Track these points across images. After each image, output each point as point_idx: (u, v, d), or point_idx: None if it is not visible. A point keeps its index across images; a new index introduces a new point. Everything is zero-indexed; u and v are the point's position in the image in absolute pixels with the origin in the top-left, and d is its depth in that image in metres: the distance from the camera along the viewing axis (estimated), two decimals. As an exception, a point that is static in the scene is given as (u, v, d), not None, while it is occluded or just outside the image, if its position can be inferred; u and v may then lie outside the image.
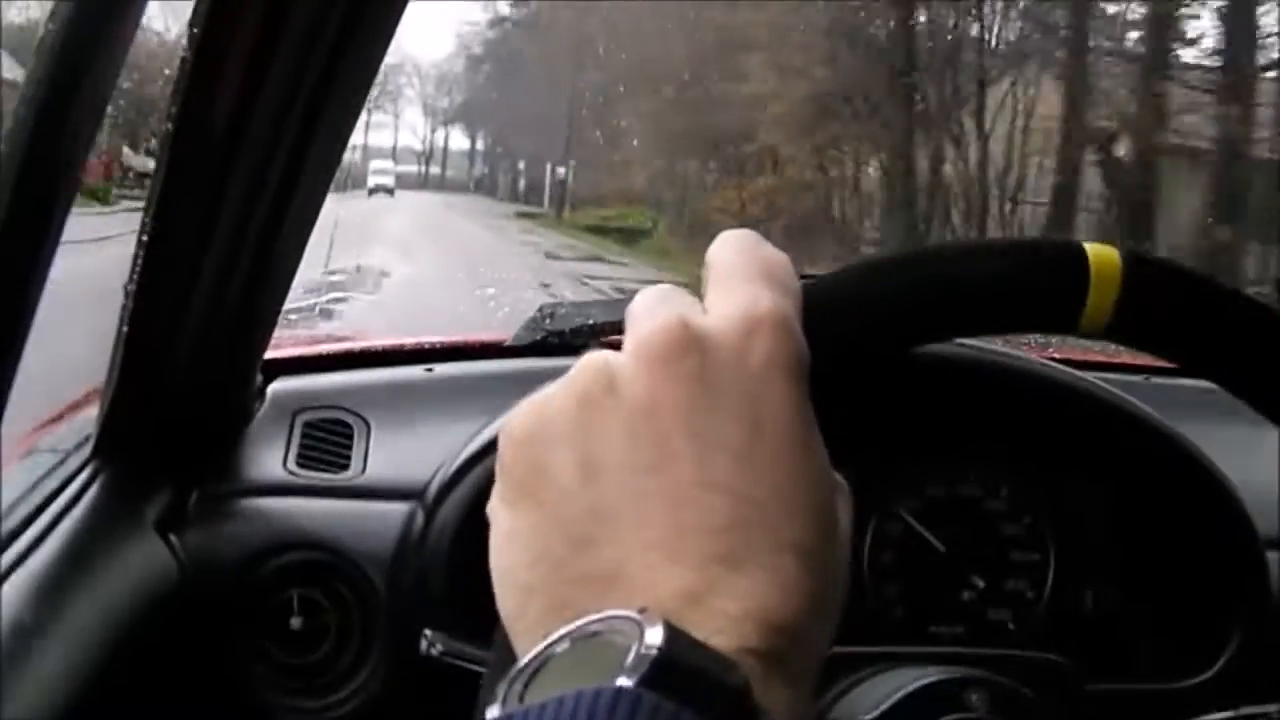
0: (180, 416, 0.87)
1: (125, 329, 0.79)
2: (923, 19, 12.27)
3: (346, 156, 0.84)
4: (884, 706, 0.68)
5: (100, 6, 0.61)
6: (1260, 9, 9.73)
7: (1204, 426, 0.82)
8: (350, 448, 0.94)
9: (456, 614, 0.75)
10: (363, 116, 0.84)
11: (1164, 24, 10.40)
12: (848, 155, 13.14)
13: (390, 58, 0.77)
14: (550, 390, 0.35)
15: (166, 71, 0.72)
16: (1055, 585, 0.84)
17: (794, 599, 0.31)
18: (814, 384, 0.34)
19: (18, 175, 0.59)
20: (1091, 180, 10.87)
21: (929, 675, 0.69)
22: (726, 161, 14.28)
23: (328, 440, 0.94)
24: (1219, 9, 10.07)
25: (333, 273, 7.60)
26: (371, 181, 22.85)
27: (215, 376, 0.89)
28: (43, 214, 0.61)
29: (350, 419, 0.96)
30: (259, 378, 0.98)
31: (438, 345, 1.10)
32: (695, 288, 0.37)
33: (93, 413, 0.85)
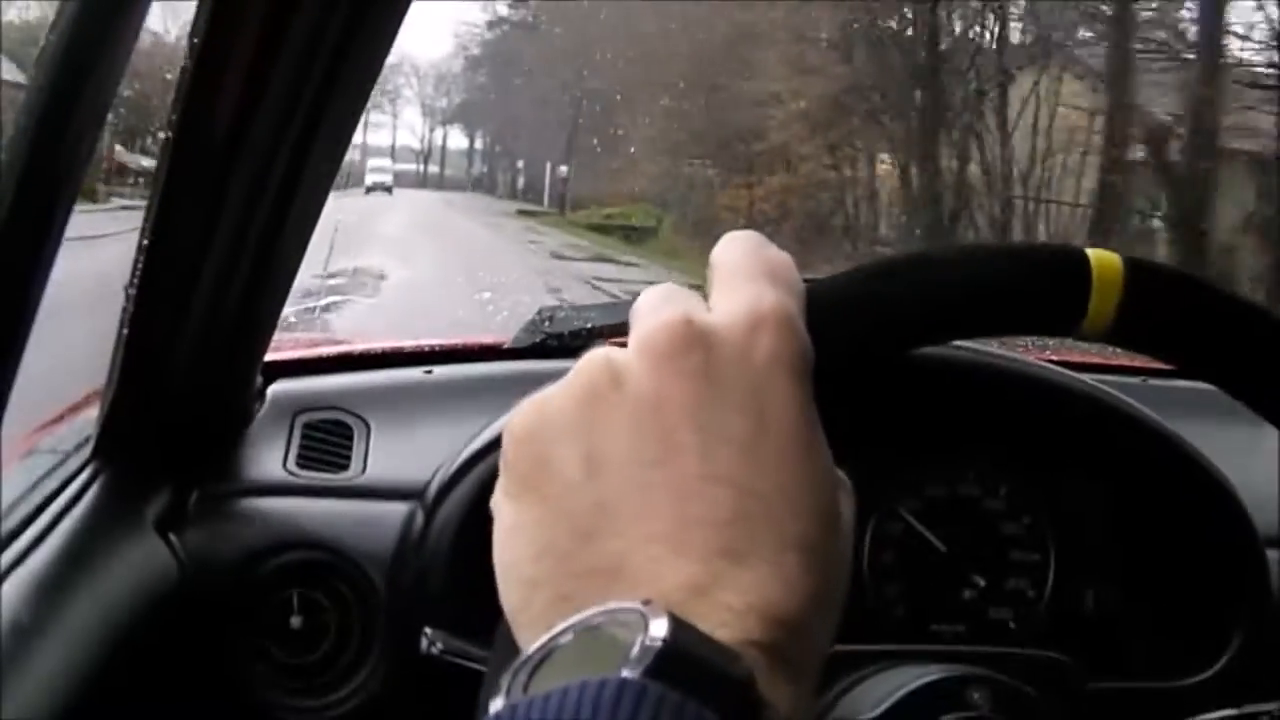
0: (180, 418, 0.87)
1: (125, 330, 0.79)
2: (945, 13, 11.90)
3: (345, 156, 0.84)
4: (886, 704, 0.68)
5: (103, 12, 0.61)
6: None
7: (1203, 427, 0.82)
8: (350, 448, 0.94)
9: (457, 613, 0.75)
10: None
11: (1215, 14, 9.80)
12: (864, 154, 12.82)
13: (388, 58, 0.77)
14: (555, 386, 0.35)
15: (168, 75, 0.72)
16: (1056, 584, 0.84)
17: (797, 593, 0.31)
18: (816, 383, 0.34)
19: (20, 178, 0.59)
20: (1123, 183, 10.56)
21: (931, 673, 0.69)
22: (736, 160, 13.99)
23: (328, 441, 0.94)
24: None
25: (332, 275, 7.57)
26: (369, 179, 22.76)
27: (215, 378, 0.89)
28: (44, 217, 0.62)
29: (350, 420, 0.96)
30: (259, 379, 0.98)
31: (437, 348, 1.10)
32: (707, 289, 0.37)
33: (93, 413, 0.85)
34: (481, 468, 0.83)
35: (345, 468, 0.92)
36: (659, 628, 0.28)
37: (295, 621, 0.83)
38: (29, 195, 0.60)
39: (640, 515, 0.32)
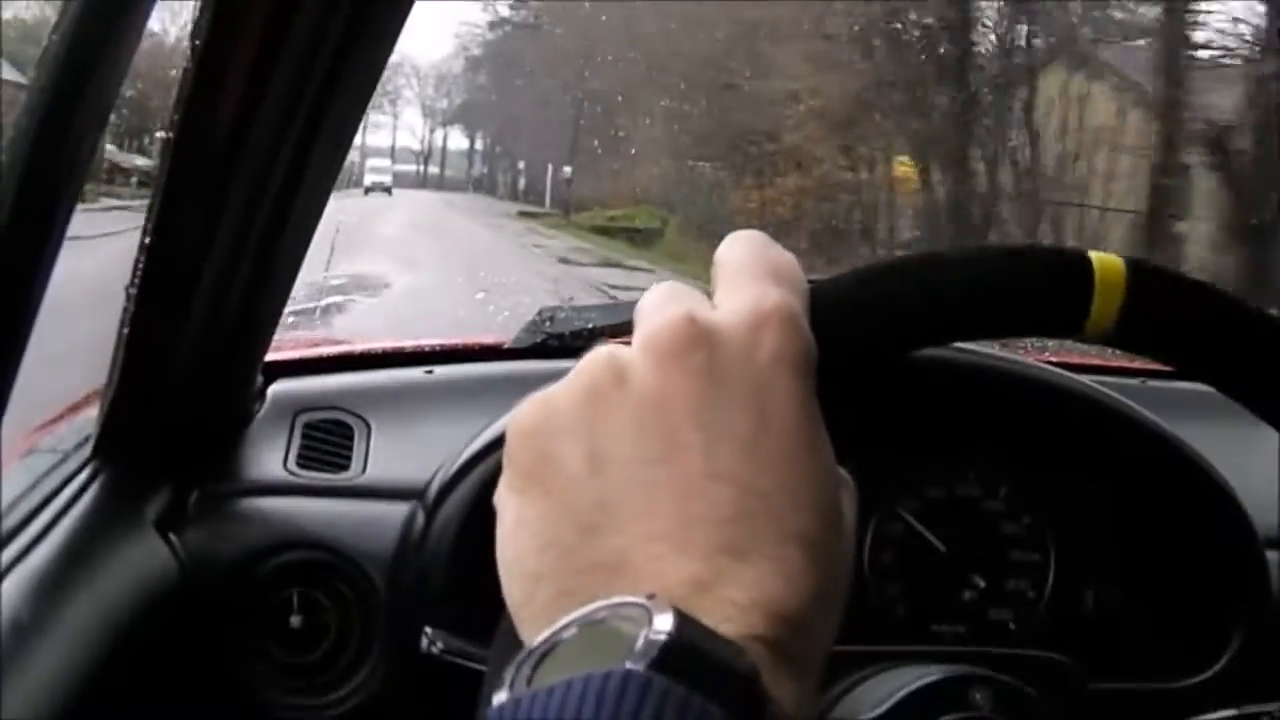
0: (180, 417, 0.87)
1: (126, 330, 0.79)
2: (973, 7, 11.53)
3: (344, 162, 0.84)
4: (887, 705, 0.68)
5: (106, 12, 0.61)
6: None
7: (1203, 429, 0.82)
8: (350, 448, 0.94)
9: (457, 612, 0.75)
10: (360, 117, 0.84)
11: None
12: (883, 154, 12.37)
13: (389, 58, 0.77)
14: (559, 383, 0.35)
15: (172, 73, 0.72)
16: (1056, 585, 0.84)
17: (799, 589, 0.31)
18: (819, 382, 0.34)
19: (21, 178, 0.59)
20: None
21: (932, 673, 0.69)
22: (747, 160, 13.64)
23: (328, 441, 0.94)
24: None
25: (333, 282, 7.53)
26: (368, 180, 22.62)
27: (215, 378, 0.89)
28: (45, 217, 0.62)
29: (350, 420, 0.96)
30: (260, 379, 0.98)
31: (438, 347, 1.10)
32: (711, 288, 0.37)
33: (93, 413, 0.85)
34: (482, 468, 0.83)
35: (346, 468, 0.92)
36: (663, 621, 0.28)
37: (295, 621, 0.83)
38: (31, 195, 0.60)
39: (643, 513, 0.32)
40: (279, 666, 0.83)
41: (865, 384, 0.46)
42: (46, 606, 0.66)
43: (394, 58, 0.77)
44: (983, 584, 0.83)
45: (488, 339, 1.12)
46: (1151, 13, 10.81)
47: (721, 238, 0.39)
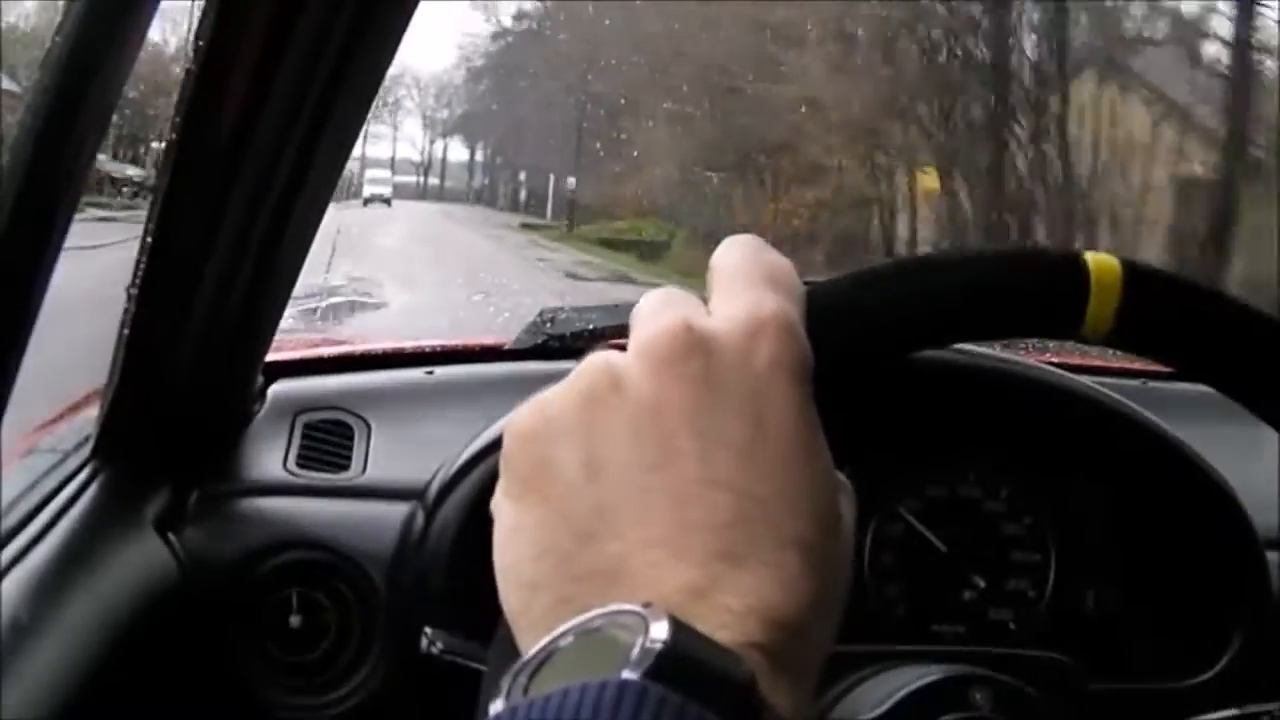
0: (180, 417, 0.87)
1: (127, 330, 0.79)
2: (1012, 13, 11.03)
3: (348, 161, 0.84)
4: (887, 705, 0.68)
5: (109, 14, 0.61)
6: None
7: (1203, 429, 0.82)
8: (350, 449, 0.94)
9: (457, 613, 0.75)
10: (359, 127, 0.84)
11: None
12: (909, 164, 11.86)
13: (389, 69, 0.77)
14: (555, 389, 0.35)
15: (172, 74, 0.72)
16: (1056, 585, 0.84)
17: (797, 595, 0.31)
18: (817, 386, 0.34)
19: (23, 180, 0.60)
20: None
21: (932, 673, 0.69)
22: (760, 171, 13.25)
23: (328, 441, 0.94)
24: None
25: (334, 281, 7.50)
26: (367, 191, 22.41)
27: (216, 379, 0.89)
28: (46, 218, 0.62)
29: (351, 420, 0.96)
30: (260, 379, 0.98)
31: (438, 348, 1.10)
32: (707, 293, 0.37)
33: (93, 413, 0.86)
34: (482, 468, 0.83)
35: (346, 468, 0.92)
36: (660, 630, 0.28)
37: (295, 621, 0.83)
38: (32, 196, 0.60)
39: (639, 520, 0.32)
40: (279, 666, 0.83)
41: (865, 385, 0.46)
42: (46, 606, 0.66)
43: (395, 69, 0.78)
44: (983, 584, 0.83)
45: (488, 340, 1.12)
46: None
47: None
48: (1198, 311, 0.41)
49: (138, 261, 0.76)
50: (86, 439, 0.84)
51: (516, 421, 0.35)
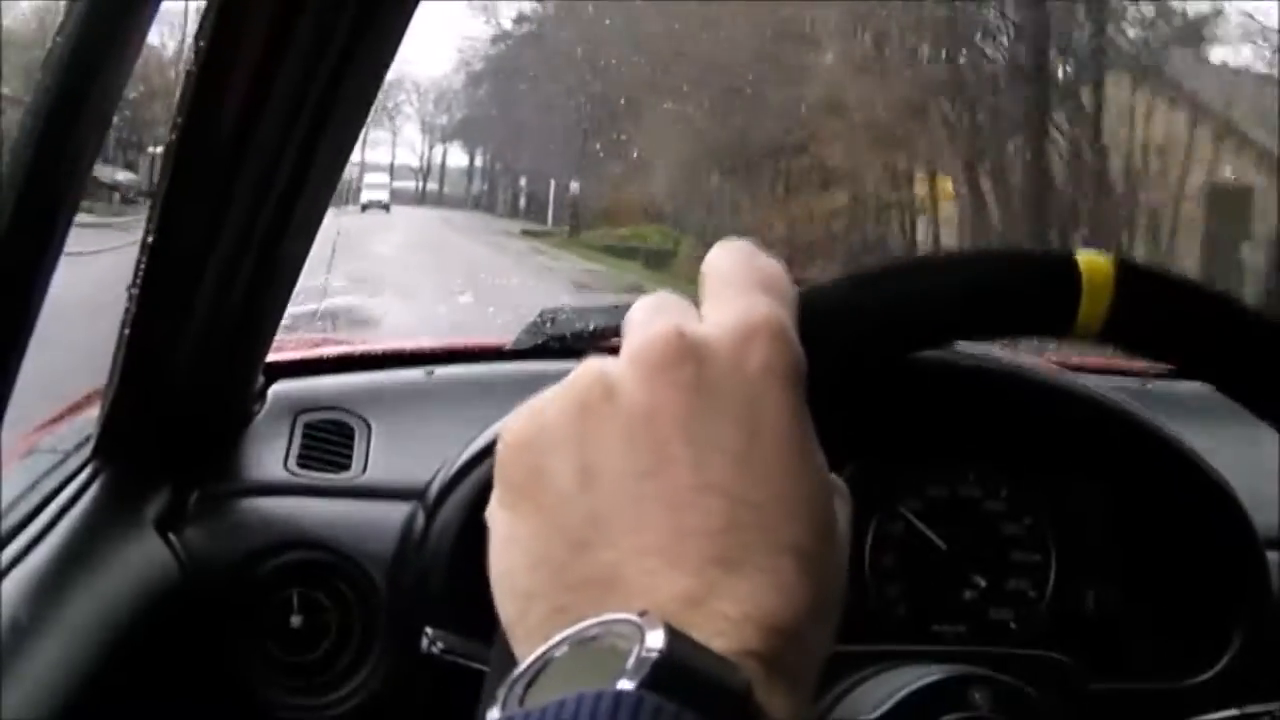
0: (181, 417, 0.87)
1: (127, 330, 0.79)
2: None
3: (344, 172, 0.84)
4: (887, 705, 0.68)
5: (110, 14, 0.61)
6: None
7: (1203, 429, 0.83)
8: (351, 449, 0.94)
9: (457, 612, 0.75)
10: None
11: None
12: (931, 170, 11.37)
13: (388, 74, 0.77)
14: (548, 396, 0.35)
15: (171, 76, 0.72)
16: (1056, 585, 0.84)
17: (793, 601, 0.31)
18: (812, 390, 0.34)
19: (23, 182, 0.60)
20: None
21: (932, 674, 0.69)
22: (773, 176, 12.86)
23: (328, 441, 0.94)
24: None
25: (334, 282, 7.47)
26: (365, 196, 22.21)
27: (216, 379, 0.89)
28: (47, 220, 0.62)
29: (351, 420, 0.96)
30: (260, 379, 0.98)
31: (438, 348, 1.10)
32: (699, 298, 0.37)
33: (93, 413, 0.86)
34: (482, 469, 0.83)
35: (346, 468, 0.92)
36: (655, 639, 0.28)
37: (295, 621, 0.83)
38: (32, 197, 0.61)
39: (634, 527, 0.32)
40: (279, 667, 0.83)
41: (863, 386, 0.46)
42: (46, 607, 0.66)
43: (394, 74, 0.78)
44: (983, 584, 0.83)
45: (488, 340, 1.12)
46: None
47: None
48: (1190, 309, 0.41)
49: (138, 261, 0.76)
50: (87, 439, 0.84)
51: (509, 430, 0.35)
